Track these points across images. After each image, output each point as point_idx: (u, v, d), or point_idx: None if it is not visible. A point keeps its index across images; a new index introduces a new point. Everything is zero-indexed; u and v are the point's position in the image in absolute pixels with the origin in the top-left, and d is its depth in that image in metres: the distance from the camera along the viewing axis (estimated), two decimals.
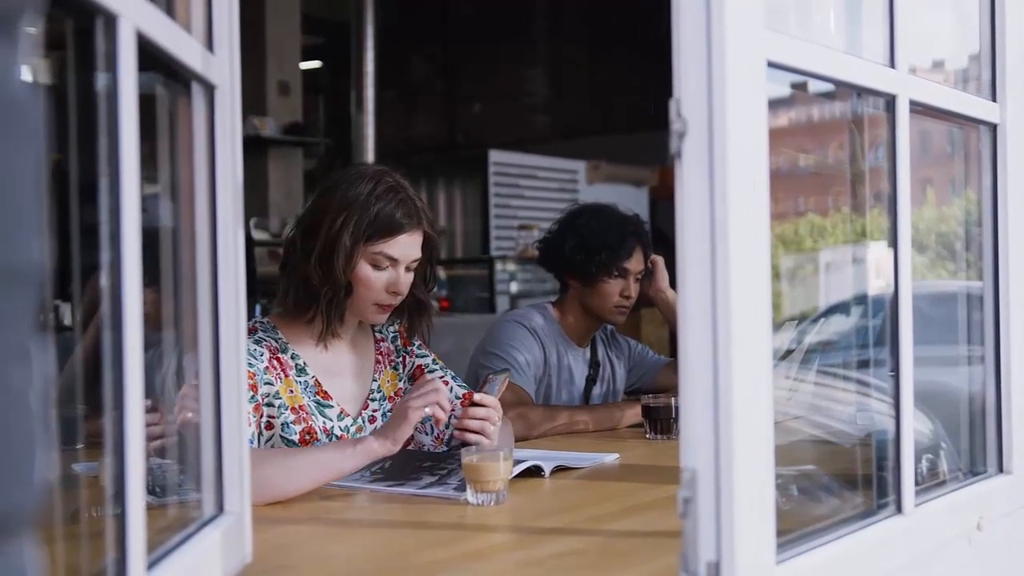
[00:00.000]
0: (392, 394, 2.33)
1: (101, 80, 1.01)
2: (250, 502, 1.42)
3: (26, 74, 0.57)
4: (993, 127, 1.80)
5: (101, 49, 1.00)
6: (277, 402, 2.12)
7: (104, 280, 1.01)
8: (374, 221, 2.13)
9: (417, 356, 2.40)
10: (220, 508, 1.36)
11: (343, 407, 2.23)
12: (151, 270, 1.18)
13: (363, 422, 2.26)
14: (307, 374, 2.20)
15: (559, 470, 2.15)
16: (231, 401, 1.37)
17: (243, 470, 1.39)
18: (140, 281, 1.03)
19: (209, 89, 1.34)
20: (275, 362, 2.15)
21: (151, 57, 1.11)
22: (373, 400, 2.30)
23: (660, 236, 5.48)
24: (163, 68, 1.23)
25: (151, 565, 1.09)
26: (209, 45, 1.34)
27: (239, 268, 1.39)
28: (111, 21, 0.99)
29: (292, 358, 2.19)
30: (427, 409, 1.96)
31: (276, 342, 2.19)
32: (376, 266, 2.16)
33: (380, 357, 2.35)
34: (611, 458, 2.33)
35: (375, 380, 2.32)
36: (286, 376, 2.16)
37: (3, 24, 0.54)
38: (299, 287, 2.18)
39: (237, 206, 1.38)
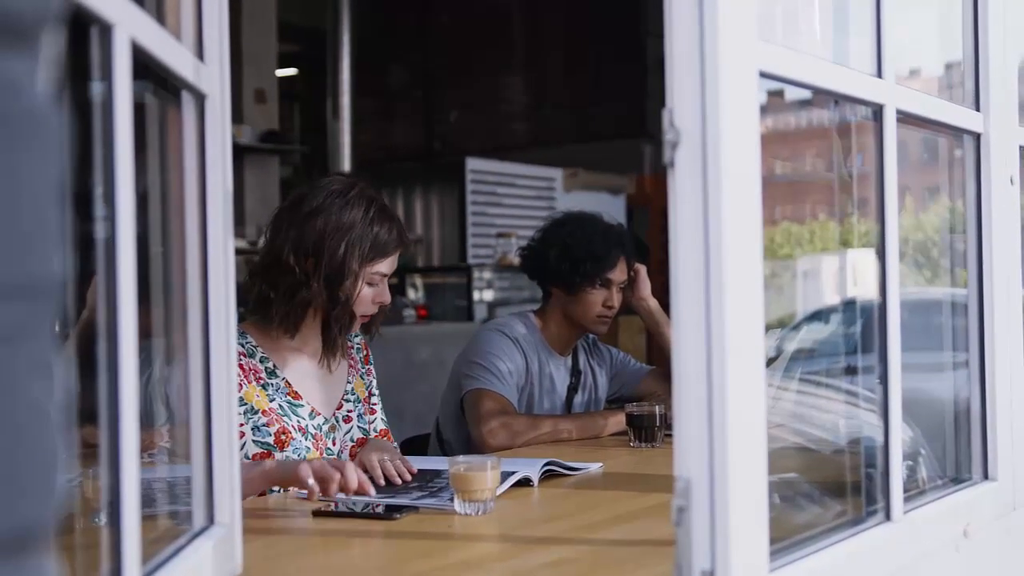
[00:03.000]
0: (363, 399, 2.42)
1: (95, 88, 1.01)
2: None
3: (47, 86, 0.57)
4: (976, 136, 1.81)
5: (96, 58, 0.99)
6: (243, 408, 2.16)
7: (99, 289, 1.00)
8: (374, 244, 2.24)
9: (373, 377, 2.49)
10: (211, 519, 1.35)
11: (314, 406, 2.28)
12: (139, 279, 1.17)
13: (337, 421, 2.33)
14: (278, 376, 2.25)
15: (547, 477, 2.16)
16: (221, 412, 1.36)
17: (234, 481, 1.38)
18: (135, 290, 1.02)
19: (200, 98, 1.33)
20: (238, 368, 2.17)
21: (142, 66, 1.11)
22: (348, 400, 2.38)
23: (637, 244, 5.49)
24: (153, 77, 1.23)
25: None
26: (199, 54, 1.34)
27: (229, 277, 1.38)
28: (106, 30, 0.99)
29: (261, 362, 2.25)
30: (311, 481, 1.87)
31: (243, 347, 2.21)
32: (370, 284, 2.27)
33: (352, 362, 2.43)
34: (595, 467, 2.33)
35: (349, 382, 2.40)
36: (249, 383, 2.21)
37: (23, 37, 0.54)
38: (300, 308, 2.23)
39: (227, 215, 1.38)
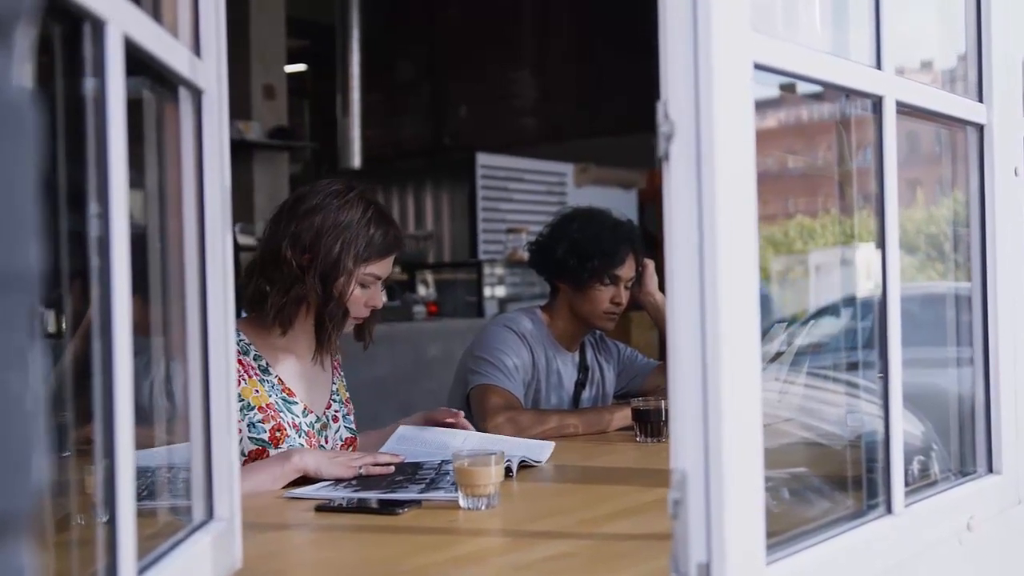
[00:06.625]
0: (344, 400, 2.46)
1: (88, 85, 1.01)
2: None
3: (22, 79, 0.57)
4: (980, 128, 1.80)
5: (89, 54, 1.00)
6: (239, 404, 2.19)
7: (93, 287, 1.01)
8: (369, 244, 2.26)
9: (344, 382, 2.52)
10: (210, 514, 1.36)
11: (306, 404, 2.32)
12: (137, 277, 1.18)
13: (327, 419, 2.37)
14: (271, 374, 2.28)
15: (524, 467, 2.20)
16: (220, 407, 1.37)
17: (233, 476, 1.39)
18: (129, 287, 1.02)
19: (196, 94, 1.34)
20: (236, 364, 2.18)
21: (137, 62, 1.11)
22: (335, 401, 2.42)
23: (648, 239, 5.48)
24: (150, 73, 1.23)
25: (141, 571, 1.09)
26: (196, 50, 1.34)
27: (228, 274, 1.38)
28: (99, 26, 0.99)
29: (255, 359, 2.28)
30: (362, 470, 2.11)
31: (237, 344, 2.23)
32: (363, 285, 2.29)
33: (336, 364, 2.47)
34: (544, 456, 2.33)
35: (334, 383, 2.44)
36: (250, 377, 2.24)
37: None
38: (294, 303, 2.25)
39: (225, 212, 1.38)
